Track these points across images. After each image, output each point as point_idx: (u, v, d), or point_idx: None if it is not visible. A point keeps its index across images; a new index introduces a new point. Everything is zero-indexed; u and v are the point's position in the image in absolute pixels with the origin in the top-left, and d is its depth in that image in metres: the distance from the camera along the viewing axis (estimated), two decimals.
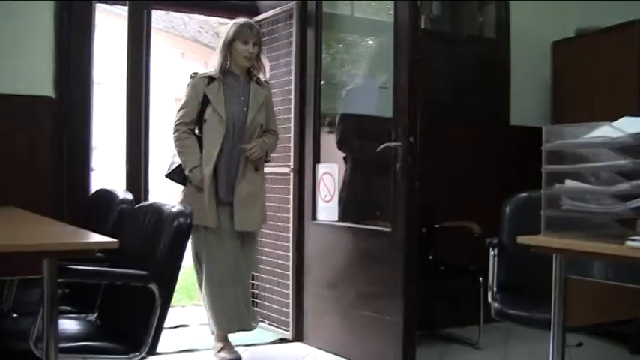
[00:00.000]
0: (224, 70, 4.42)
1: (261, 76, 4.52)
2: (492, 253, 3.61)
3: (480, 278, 4.47)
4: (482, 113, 5.72)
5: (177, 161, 4.37)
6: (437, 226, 5.16)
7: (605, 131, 2.30)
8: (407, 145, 4.01)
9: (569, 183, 2.39)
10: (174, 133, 4.36)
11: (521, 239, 2.57)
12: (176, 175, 4.38)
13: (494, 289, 3.65)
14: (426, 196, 4.68)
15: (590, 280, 2.39)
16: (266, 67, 4.62)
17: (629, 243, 2.14)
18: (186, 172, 4.30)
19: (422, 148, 4.16)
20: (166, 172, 4.43)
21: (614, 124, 2.35)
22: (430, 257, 5.14)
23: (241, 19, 4.50)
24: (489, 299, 3.64)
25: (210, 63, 4.57)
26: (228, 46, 4.41)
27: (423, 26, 5.39)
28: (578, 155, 2.42)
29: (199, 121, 4.37)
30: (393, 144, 4.10)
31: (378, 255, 4.23)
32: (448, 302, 5.16)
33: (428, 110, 4.62)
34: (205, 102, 4.34)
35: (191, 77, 4.44)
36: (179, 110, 4.41)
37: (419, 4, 4.30)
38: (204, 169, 4.26)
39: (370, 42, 5.65)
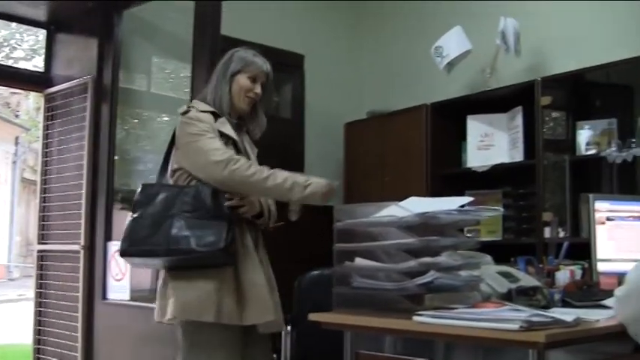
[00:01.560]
0: (226, 109, 3.24)
1: (257, 133, 3.47)
2: (285, 330, 3.60)
3: (275, 355, 4.46)
4: None
5: None
6: None
7: (393, 210, 2.40)
8: None
9: (359, 260, 2.46)
10: (228, 169, 2.99)
11: (313, 316, 2.60)
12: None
13: None
14: None
15: (381, 355, 2.45)
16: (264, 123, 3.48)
17: (416, 318, 2.22)
18: (305, 193, 2.95)
19: None
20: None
21: (401, 203, 2.45)
22: None
23: (249, 49, 3.41)
24: None
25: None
26: (230, 79, 3.27)
27: None
28: (369, 233, 2.50)
29: None
30: None
31: (169, 335, 4.13)
32: None
33: None
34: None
35: (185, 113, 3.16)
36: (208, 150, 3.03)
37: None
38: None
39: (166, 118, 5.63)
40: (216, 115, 3.18)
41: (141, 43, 5.47)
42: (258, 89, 3.29)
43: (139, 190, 3.14)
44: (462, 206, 2.49)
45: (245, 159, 3.10)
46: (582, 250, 3.24)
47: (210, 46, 4.28)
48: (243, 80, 3.26)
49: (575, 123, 4.86)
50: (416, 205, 2.40)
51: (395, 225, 2.37)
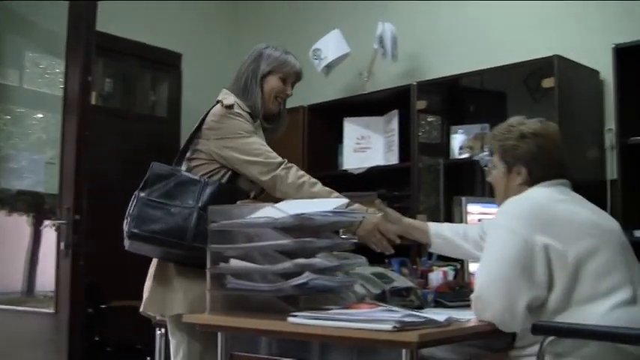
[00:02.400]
0: (259, 113, 3.10)
1: (279, 132, 3.33)
2: (159, 332, 3.54)
3: (148, 358, 4.38)
4: None
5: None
6: (104, 305, 5.01)
7: (269, 212, 2.38)
8: (72, 223, 3.87)
9: (234, 262, 2.43)
10: (282, 168, 2.90)
11: (187, 317, 2.56)
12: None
13: None
14: (93, 275, 4.53)
15: (256, 357, 2.43)
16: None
17: (291, 319, 2.21)
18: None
19: (90, 226, 4.04)
20: None
21: (276, 205, 2.43)
22: (97, 338, 4.96)
23: (277, 46, 3.22)
24: None
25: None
26: (261, 80, 3.12)
27: (94, 102, 5.32)
28: (244, 234, 2.47)
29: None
30: (57, 222, 3.94)
31: (40, 339, 3.99)
32: None
33: (97, 187, 4.51)
34: None
35: (230, 107, 3.02)
36: (259, 149, 2.93)
37: (90, 79, 4.24)
38: None
39: (40, 115, 5.45)
40: (251, 116, 3.05)
41: (13, 37, 5.28)
42: (289, 90, 3.17)
43: (152, 167, 3.01)
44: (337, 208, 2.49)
45: (295, 165, 2.95)
46: None
47: (85, 44, 4.16)
48: (274, 82, 3.11)
49: (449, 127, 4.97)
50: (291, 207, 2.38)
51: (270, 226, 2.35)
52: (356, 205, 2.88)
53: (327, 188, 2.90)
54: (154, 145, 5.81)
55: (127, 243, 2.98)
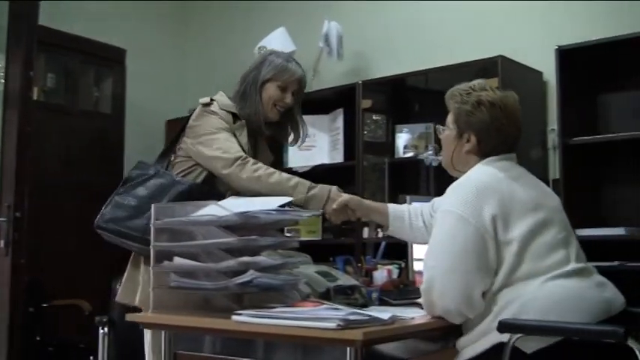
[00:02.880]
0: (256, 119, 3.07)
1: (283, 139, 3.28)
2: (102, 331, 3.49)
3: (92, 357, 4.33)
4: (96, 188, 5.62)
5: None
6: (46, 304, 4.93)
7: (213, 210, 2.37)
8: (13, 221, 3.81)
9: (178, 260, 2.41)
10: (236, 165, 2.86)
11: (130, 316, 2.54)
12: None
13: None
14: (35, 274, 4.47)
15: (200, 355, 2.41)
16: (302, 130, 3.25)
17: (235, 318, 2.20)
18: (308, 194, 2.82)
19: (31, 224, 3.98)
20: None
21: (221, 202, 2.42)
22: (38, 338, 4.89)
23: (282, 53, 3.22)
24: None
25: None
26: (260, 87, 3.08)
27: (36, 98, 5.23)
28: (188, 232, 2.46)
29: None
30: None
31: None
32: None
33: (38, 184, 4.45)
34: None
35: (207, 105, 3.06)
36: (222, 145, 2.92)
37: (32, 74, 4.18)
38: None
39: None
40: (235, 117, 3.03)
41: None
42: (288, 99, 3.09)
43: (135, 166, 2.99)
44: (282, 206, 2.48)
45: (253, 159, 2.91)
46: (399, 250, 3.33)
47: (26, 39, 4.10)
48: (272, 90, 3.06)
49: (394, 126, 4.99)
50: (235, 205, 2.37)
51: (214, 224, 2.34)
52: (318, 187, 2.86)
53: (285, 175, 2.87)
54: (98, 142, 5.75)
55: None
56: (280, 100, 3.08)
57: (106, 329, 3.57)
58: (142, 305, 2.83)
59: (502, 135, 2.53)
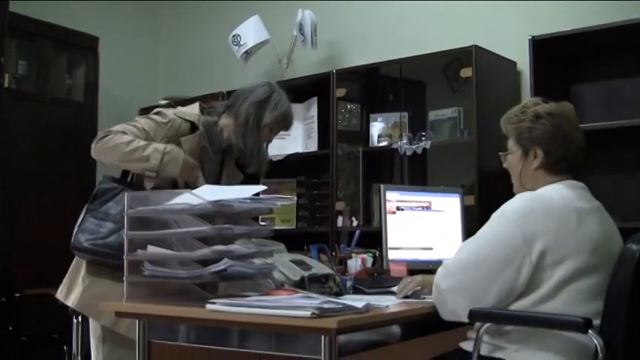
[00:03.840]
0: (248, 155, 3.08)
1: (253, 169, 3.20)
2: (76, 321, 3.45)
3: (65, 347, 4.31)
4: (69, 177, 5.59)
5: None
6: (18, 294, 4.89)
7: (186, 198, 2.36)
8: None
9: (152, 249, 2.40)
10: (100, 138, 2.89)
11: (104, 306, 2.52)
12: None
13: (79, 357, 3.49)
14: (7, 263, 4.43)
15: (175, 344, 2.41)
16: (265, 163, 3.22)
17: (209, 306, 2.19)
18: (164, 160, 2.81)
19: (1, 213, 3.94)
20: None
21: (194, 191, 2.41)
22: (10, 328, 4.85)
23: (283, 93, 3.13)
24: None
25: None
26: (261, 128, 3.05)
27: (7, 85, 5.19)
28: (162, 221, 2.44)
29: None
30: None
31: None
32: None
33: (9, 172, 4.41)
34: None
35: (158, 112, 3.04)
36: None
37: (2, 60, 4.13)
38: None
39: None
40: (194, 127, 2.99)
41: None
42: (273, 137, 3.15)
43: (102, 180, 2.95)
44: (256, 195, 2.48)
45: (116, 131, 2.90)
46: (373, 239, 3.34)
47: None
48: (267, 133, 3.08)
49: (368, 115, 5.00)
50: (210, 193, 2.36)
51: (188, 213, 2.33)
52: (172, 150, 2.84)
53: (143, 142, 2.84)
54: (71, 130, 5.70)
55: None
56: (268, 139, 3.12)
57: (80, 319, 3.52)
58: (78, 308, 2.87)
59: (567, 142, 2.46)
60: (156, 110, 3.02)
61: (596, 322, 2.17)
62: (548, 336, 2.21)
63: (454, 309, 2.34)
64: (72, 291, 2.92)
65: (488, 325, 2.23)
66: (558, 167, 2.46)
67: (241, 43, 5.36)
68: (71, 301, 2.89)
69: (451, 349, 2.47)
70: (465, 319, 2.32)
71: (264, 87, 3.08)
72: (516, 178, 2.54)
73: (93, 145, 2.90)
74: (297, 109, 5.25)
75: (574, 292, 2.23)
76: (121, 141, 2.83)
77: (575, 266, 2.23)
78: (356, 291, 2.71)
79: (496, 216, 2.34)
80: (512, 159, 2.55)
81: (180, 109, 3.07)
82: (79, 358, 3.49)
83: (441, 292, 2.36)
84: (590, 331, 2.04)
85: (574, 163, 2.49)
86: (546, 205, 2.30)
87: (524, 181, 2.49)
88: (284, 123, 3.12)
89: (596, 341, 2.03)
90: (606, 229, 2.39)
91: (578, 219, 2.29)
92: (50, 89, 5.69)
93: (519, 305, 2.26)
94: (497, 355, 2.27)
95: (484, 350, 2.26)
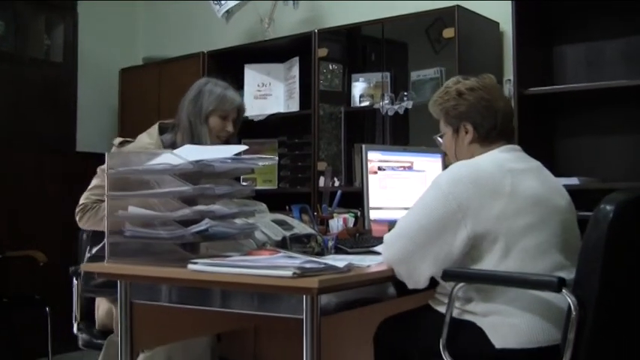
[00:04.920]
0: None
1: None
2: (76, 282, 3.40)
3: (47, 308, 4.30)
4: (48, 138, 5.55)
5: None
6: None
7: (167, 158, 2.34)
8: None
9: (133, 209, 2.39)
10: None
11: (86, 267, 2.53)
12: None
13: (79, 319, 3.45)
14: None
15: (157, 305, 2.41)
16: None
17: (191, 267, 2.19)
18: None
19: None
20: None
21: (175, 151, 2.40)
22: None
23: (218, 81, 3.24)
24: (75, 331, 3.42)
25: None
26: (205, 119, 3.12)
27: None
28: (145, 182, 2.43)
29: None
30: None
31: None
32: (12, 336, 4.89)
33: None
34: None
35: (120, 144, 3.13)
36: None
37: None
38: None
39: None
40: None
41: None
42: (229, 127, 3.15)
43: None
44: (238, 154, 2.47)
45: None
46: (355, 199, 3.34)
47: None
48: (214, 121, 3.11)
49: (350, 75, 4.98)
50: (191, 153, 2.35)
51: (169, 173, 2.32)
52: None
53: None
54: (50, 91, 5.64)
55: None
56: (222, 129, 3.14)
57: (80, 280, 3.43)
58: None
59: (493, 111, 2.50)
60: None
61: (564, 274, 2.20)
62: (516, 300, 2.24)
63: (403, 279, 2.37)
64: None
65: (461, 284, 2.25)
66: (490, 137, 2.51)
67: (222, 2, 5.31)
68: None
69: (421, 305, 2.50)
70: (421, 286, 2.36)
71: (196, 84, 3.21)
72: (452, 157, 2.60)
73: (79, 220, 3.03)
74: (278, 69, 5.25)
75: (523, 252, 2.27)
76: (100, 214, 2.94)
77: (519, 225, 2.27)
78: (338, 251, 2.72)
79: (430, 186, 2.38)
80: (445, 140, 2.62)
81: (137, 144, 3.09)
82: (79, 319, 3.45)
83: (388, 265, 2.38)
84: (564, 290, 2.05)
85: (505, 131, 2.54)
86: (478, 171, 2.34)
87: (461, 157, 2.54)
88: (226, 103, 3.14)
89: (569, 300, 2.05)
90: (546, 185, 2.44)
91: (512, 180, 2.32)
92: (28, 50, 5.61)
93: None
94: (466, 317, 2.30)
95: (454, 313, 2.28)
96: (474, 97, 2.51)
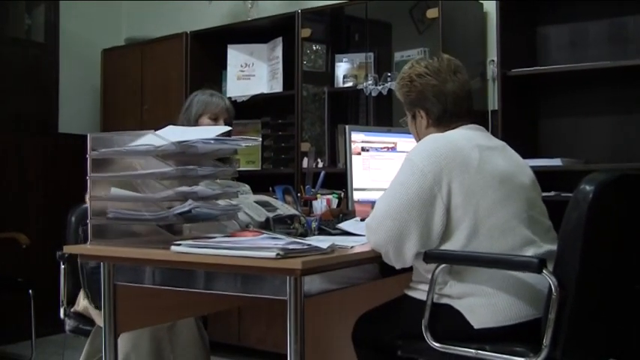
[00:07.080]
0: None
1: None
2: (63, 266, 3.38)
3: (30, 291, 4.29)
4: (29, 120, 5.52)
5: None
6: None
7: (150, 139, 2.33)
8: None
9: (115, 191, 2.38)
10: None
11: (68, 249, 2.51)
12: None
13: (65, 304, 3.42)
14: None
15: (140, 286, 2.40)
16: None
17: (174, 248, 2.19)
18: None
19: None
20: None
21: (158, 132, 2.38)
22: None
23: (206, 90, 3.49)
24: (62, 315, 3.40)
25: None
26: (195, 123, 3.35)
27: None
28: (127, 163, 2.42)
29: None
30: None
31: None
32: None
33: None
34: None
35: None
36: None
37: None
38: None
39: None
40: None
41: None
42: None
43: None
44: (222, 135, 2.46)
45: None
46: (339, 180, 3.34)
47: None
48: (206, 122, 3.35)
49: (334, 56, 4.96)
50: (173, 134, 2.34)
51: (152, 154, 2.31)
52: None
53: None
54: (32, 72, 5.61)
55: None
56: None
57: (66, 264, 3.40)
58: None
59: (440, 96, 2.54)
60: None
61: (532, 250, 2.29)
62: (490, 279, 2.26)
63: (390, 260, 2.37)
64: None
65: (443, 266, 2.26)
66: (443, 120, 2.55)
67: None
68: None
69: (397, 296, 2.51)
70: (408, 264, 2.37)
71: (188, 98, 3.50)
72: (417, 139, 2.63)
73: None
74: (261, 49, 5.23)
75: (492, 228, 2.29)
76: None
77: (487, 202, 2.30)
78: (321, 232, 2.72)
79: (403, 163, 2.39)
80: (409, 123, 2.68)
81: None
82: (66, 304, 3.43)
83: (376, 249, 2.38)
84: (544, 271, 2.06)
85: (459, 113, 2.56)
86: (450, 144, 2.38)
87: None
88: (211, 105, 3.39)
89: (550, 281, 2.06)
90: (511, 162, 2.49)
91: (480, 155, 2.36)
92: (9, 29, 5.57)
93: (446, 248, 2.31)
94: (443, 301, 2.31)
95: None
96: (421, 84, 2.56)
